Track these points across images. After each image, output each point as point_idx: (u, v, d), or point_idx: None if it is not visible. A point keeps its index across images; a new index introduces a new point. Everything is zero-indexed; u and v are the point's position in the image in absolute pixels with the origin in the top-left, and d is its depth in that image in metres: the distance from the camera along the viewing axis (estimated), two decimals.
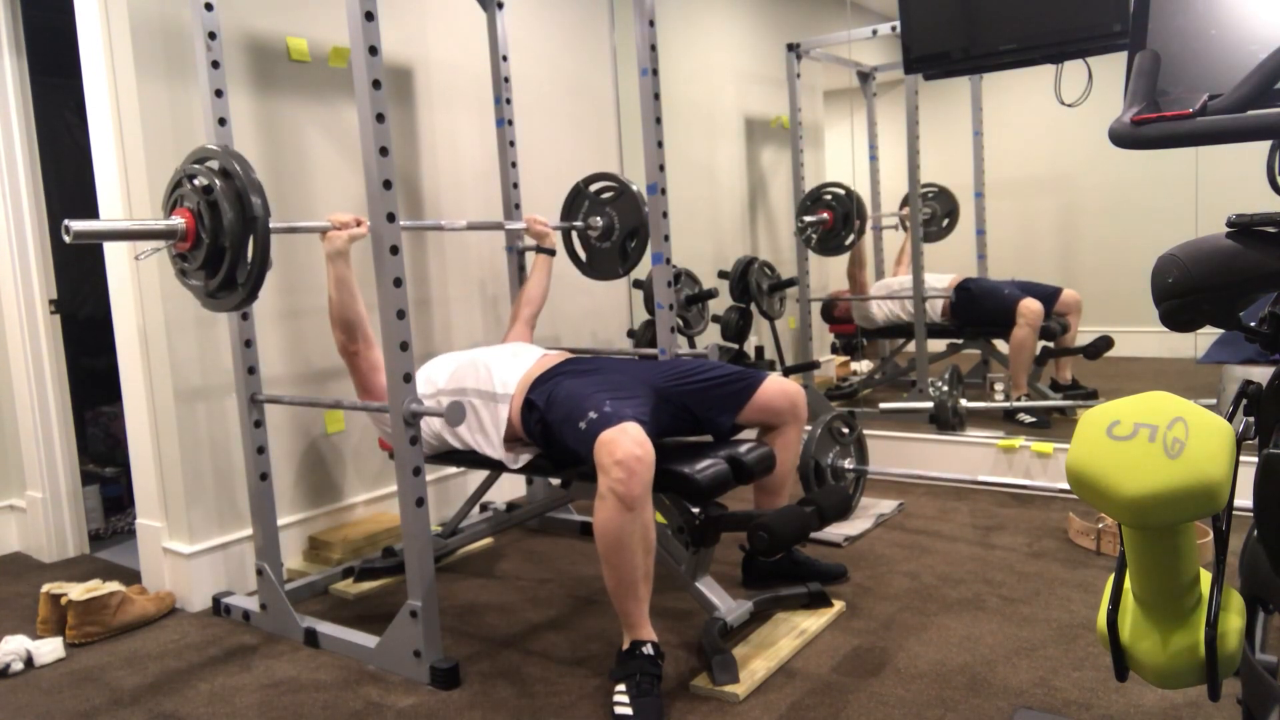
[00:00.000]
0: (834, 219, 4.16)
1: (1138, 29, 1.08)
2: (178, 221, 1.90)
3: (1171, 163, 3.16)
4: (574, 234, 3.14)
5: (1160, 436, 0.96)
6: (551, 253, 2.96)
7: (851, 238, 4.18)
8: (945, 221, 4.39)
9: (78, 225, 1.77)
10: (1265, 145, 1.06)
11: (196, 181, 1.89)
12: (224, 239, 1.86)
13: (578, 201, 3.10)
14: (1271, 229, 1.07)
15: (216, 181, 1.86)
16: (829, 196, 4.19)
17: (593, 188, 3.07)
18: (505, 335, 2.92)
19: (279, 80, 2.78)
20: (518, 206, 3.13)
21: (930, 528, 2.90)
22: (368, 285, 2.96)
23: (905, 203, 4.22)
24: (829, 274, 4.75)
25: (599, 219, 3.05)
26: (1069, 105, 2.54)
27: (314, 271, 2.84)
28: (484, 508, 3.16)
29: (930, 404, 3.53)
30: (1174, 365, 3.72)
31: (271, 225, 1.90)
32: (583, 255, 3.15)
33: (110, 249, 2.60)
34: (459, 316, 3.34)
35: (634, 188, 2.96)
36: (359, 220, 2.28)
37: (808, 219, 4.19)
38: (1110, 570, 2.43)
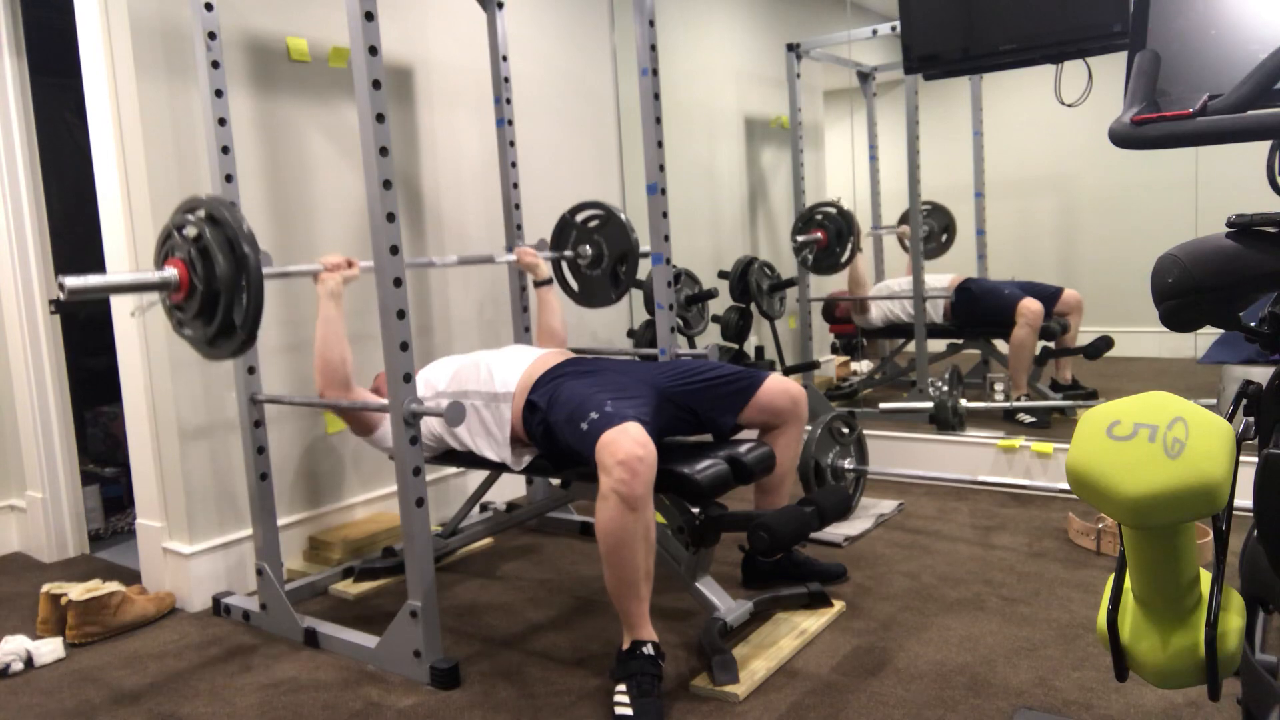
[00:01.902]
0: (828, 237, 4.16)
1: (1138, 29, 1.08)
2: (171, 272, 1.93)
3: (1171, 163, 3.16)
4: (564, 264, 3.15)
5: (1160, 436, 0.96)
6: (549, 281, 2.94)
7: (847, 254, 4.17)
8: (944, 236, 4.39)
9: (72, 281, 1.79)
10: (1265, 145, 1.06)
11: (186, 231, 1.91)
12: (217, 284, 1.88)
13: (565, 232, 3.11)
14: (1271, 229, 1.07)
15: (205, 229, 1.88)
16: (820, 216, 4.19)
17: (579, 217, 3.07)
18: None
19: (279, 80, 2.78)
20: (517, 206, 3.13)
21: (930, 528, 2.90)
22: (367, 287, 2.98)
23: (904, 219, 4.21)
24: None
25: (588, 247, 3.05)
26: (1069, 105, 2.54)
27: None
28: (484, 508, 3.16)
29: (930, 404, 3.54)
30: (1174, 365, 3.73)
31: (264, 271, 1.92)
32: (575, 285, 3.15)
33: (107, 241, 2.59)
34: (459, 316, 3.34)
35: (619, 213, 2.98)
36: (350, 261, 2.32)
37: (801, 239, 4.19)
38: (1110, 570, 2.43)
